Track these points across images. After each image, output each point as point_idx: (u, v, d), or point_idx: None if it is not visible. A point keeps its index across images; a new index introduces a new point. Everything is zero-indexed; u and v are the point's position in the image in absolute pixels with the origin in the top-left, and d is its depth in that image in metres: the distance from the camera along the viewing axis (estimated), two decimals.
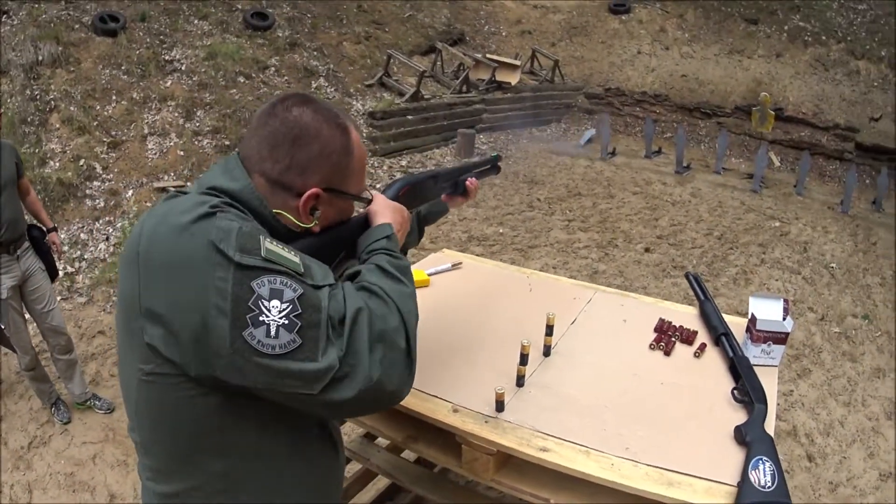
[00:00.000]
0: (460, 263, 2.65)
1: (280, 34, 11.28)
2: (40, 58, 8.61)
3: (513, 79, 13.75)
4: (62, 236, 6.71)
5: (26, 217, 4.06)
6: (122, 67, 9.07)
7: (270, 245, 1.14)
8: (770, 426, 1.75)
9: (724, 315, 2.34)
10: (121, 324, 1.20)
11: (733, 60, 14.78)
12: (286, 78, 10.60)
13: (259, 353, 1.08)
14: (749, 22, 15.51)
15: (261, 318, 1.08)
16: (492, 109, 13.16)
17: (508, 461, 1.84)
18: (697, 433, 1.76)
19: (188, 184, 8.07)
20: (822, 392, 5.29)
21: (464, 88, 12.74)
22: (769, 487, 1.52)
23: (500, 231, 8.33)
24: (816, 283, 7.35)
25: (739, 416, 1.81)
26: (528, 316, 2.26)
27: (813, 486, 4.16)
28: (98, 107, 8.43)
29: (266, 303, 1.08)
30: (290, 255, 1.17)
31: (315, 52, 11.49)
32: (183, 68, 9.57)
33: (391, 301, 1.26)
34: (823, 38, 14.70)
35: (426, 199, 1.89)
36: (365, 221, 1.52)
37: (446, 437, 1.85)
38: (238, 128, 9.05)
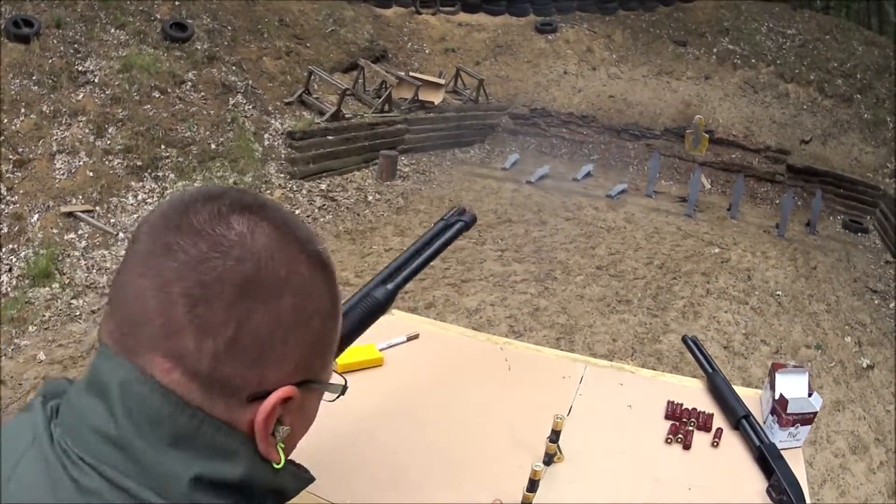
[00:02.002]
0: (417, 335, 2.16)
1: (199, 47, 10.72)
2: None
3: (436, 98, 13.42)
4: None
5: None
6: (34, 77, 8.41)
7: None
8: None
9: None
10: None
11: (662, 82, 14.85)
12: (203, 94, 10.07)
13: None
14: (678, 44, 15.67)
15: None
16: (414, 130, 12.82)
17: None
18: None
19: (97, 209, 7.52)
20: None
21: (386, 108, 12.35)
22: None
23: (430, 263, 7.94)
24: (765, 314, 7.25)
25: None
26: (514, 408, 1.80)
27: None
28: (6, 120, 7.78)
29: None
30: None
31: (234, 67, 10.98)
32: (96, 80, 8.93)
33: None
34: (753, 60, 14.99)
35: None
36: None
37: None
38: (151, 147, 8.51)
